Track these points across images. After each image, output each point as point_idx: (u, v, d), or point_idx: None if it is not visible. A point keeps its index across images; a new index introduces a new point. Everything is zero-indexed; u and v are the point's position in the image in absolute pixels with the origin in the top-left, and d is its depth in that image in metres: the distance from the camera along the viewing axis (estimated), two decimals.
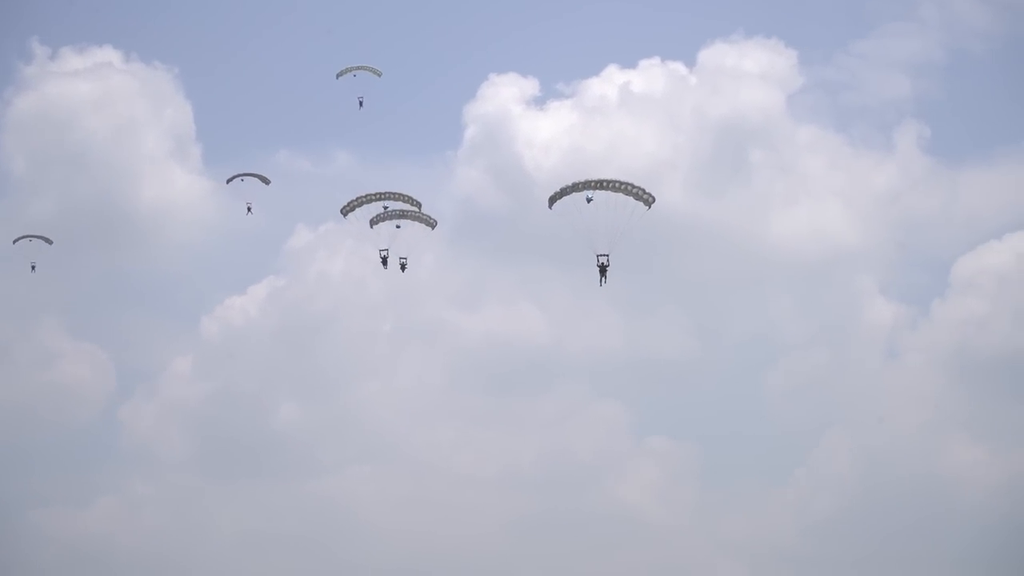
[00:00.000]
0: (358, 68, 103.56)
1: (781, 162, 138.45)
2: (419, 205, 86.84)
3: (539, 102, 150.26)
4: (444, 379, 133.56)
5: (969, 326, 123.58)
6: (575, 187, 75.50)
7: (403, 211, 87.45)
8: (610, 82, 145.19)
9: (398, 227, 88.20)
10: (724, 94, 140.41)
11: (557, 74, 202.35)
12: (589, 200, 74.05)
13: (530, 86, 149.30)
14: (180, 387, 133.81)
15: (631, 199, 74.74)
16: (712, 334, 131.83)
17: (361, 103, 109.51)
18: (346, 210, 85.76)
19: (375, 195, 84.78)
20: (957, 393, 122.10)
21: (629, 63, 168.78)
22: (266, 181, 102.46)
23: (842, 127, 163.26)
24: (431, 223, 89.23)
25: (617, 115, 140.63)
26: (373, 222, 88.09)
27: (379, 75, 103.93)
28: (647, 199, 74.98)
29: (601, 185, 75.19)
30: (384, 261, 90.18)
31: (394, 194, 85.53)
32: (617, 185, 74.64)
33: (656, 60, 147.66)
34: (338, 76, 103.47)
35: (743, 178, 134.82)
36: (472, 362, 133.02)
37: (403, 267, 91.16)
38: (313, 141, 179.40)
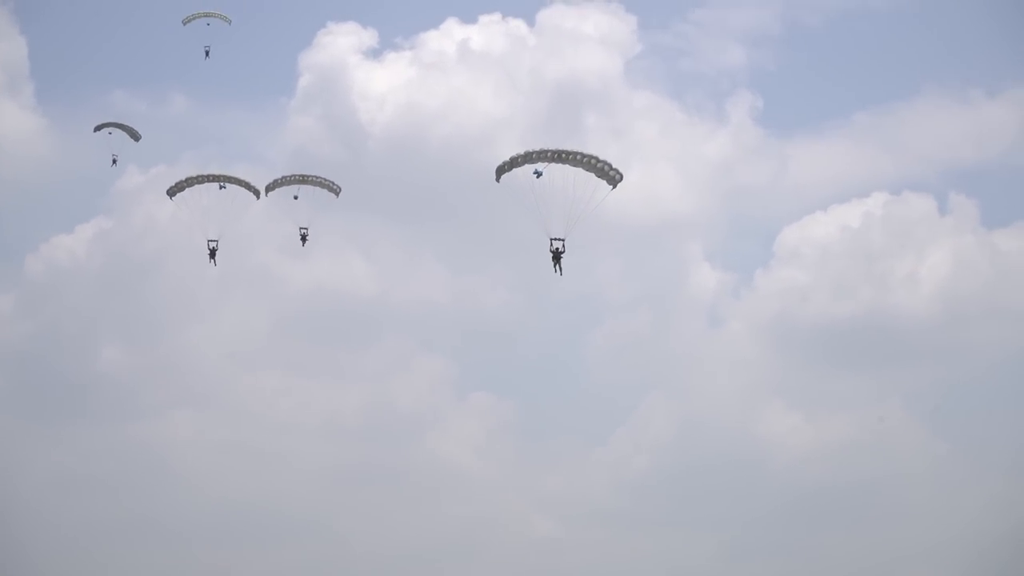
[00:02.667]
0: (207, 15, 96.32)
1: (615, 126, 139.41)
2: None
3: (376, 54, 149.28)
4: (269, 327, 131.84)
5: (790, 295, 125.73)
6: (528, 157, 64.39)
7: (303, 176, 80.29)
8: (449, 37, 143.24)
9: (296, 198, 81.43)
10: (562, 56, 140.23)
11: (396, 26, 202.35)
12: (538, 174, 64.30)
13: (368, 37, 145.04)
14: (1, 326, 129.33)
15: (593, 176, 64.69)
16: (539, 293, 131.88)
17: (207, 53, 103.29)
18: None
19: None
20: (775, 361, 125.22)
21: (469, 18, 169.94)
22: (136, 137, 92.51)
23: (677, 94, 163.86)
24: (335, 189, 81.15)
25: (455, 71, 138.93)
26: (269, 188, 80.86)
27: (229, 22, 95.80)
28: (613, 176, 64.45)
29: (559, 157, 64.41)
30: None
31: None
32: (578, 158, 64.11)
33: (497, 16, 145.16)
34: (185, 22, 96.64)
35: (577, 141, 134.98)
36: (298, 311, 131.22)
37: (304, 239, 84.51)
38: (150, 83, 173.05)
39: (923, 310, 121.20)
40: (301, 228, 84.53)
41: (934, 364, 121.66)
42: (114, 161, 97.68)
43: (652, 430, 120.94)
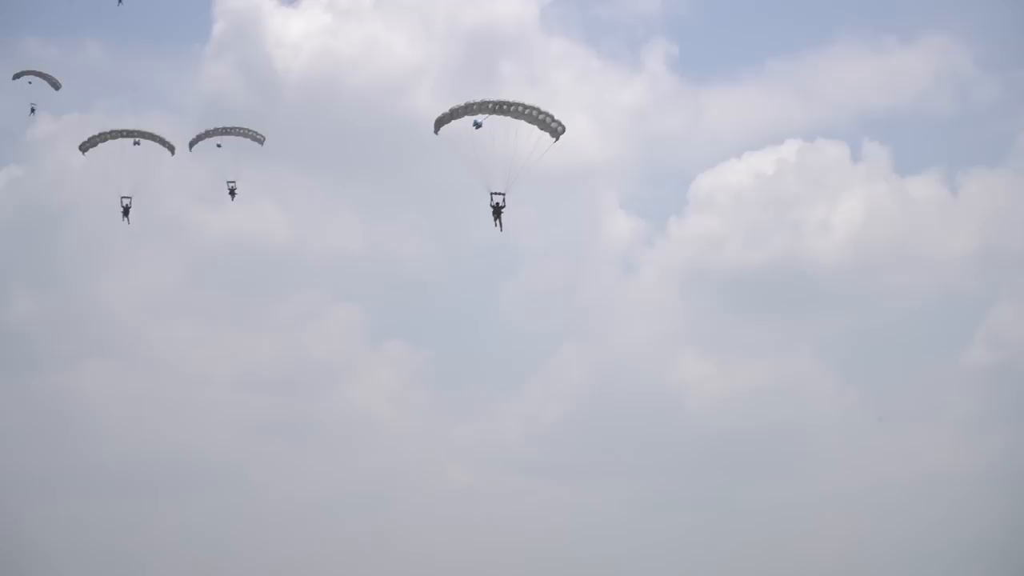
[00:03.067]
0: None
1: (531, 74, 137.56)
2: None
3: (291, 0, 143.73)
4: (183, 276, 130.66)
5: (704, 243, 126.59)
6: (467, 108, 62.76)
7: (225, 128, 79.22)
8: None
9: (219, 146, 79.95)
10: (478, 3, 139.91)
11: None
12: (477, 126, 62.54)
13: None
14: None
15: (535, 128, 63.37)
16: (452, 242, 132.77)
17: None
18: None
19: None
20: (688, 308, 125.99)
21: None
22: (56, 86, 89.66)
23: (593, 41, 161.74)
24: (259, 138, 79.47)
25: (371, 18, 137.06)
26: (192, 143, 79.68)
27: None
28: (555, 128, 63.31)
29: (500, 108, 62.86)
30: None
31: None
32: (519, 110, 62.65)
33: None
34: None
35: (493, 88, 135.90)
36: (212, 260, 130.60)
37: (232, 193, 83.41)
38: (63, 30, 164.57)
39: (835, 257, 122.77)
40: (229, 182, 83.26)
41: (846, 311, 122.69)
42: (32, 110, 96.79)
43: (566, 378, 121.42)
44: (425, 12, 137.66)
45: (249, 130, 79.52)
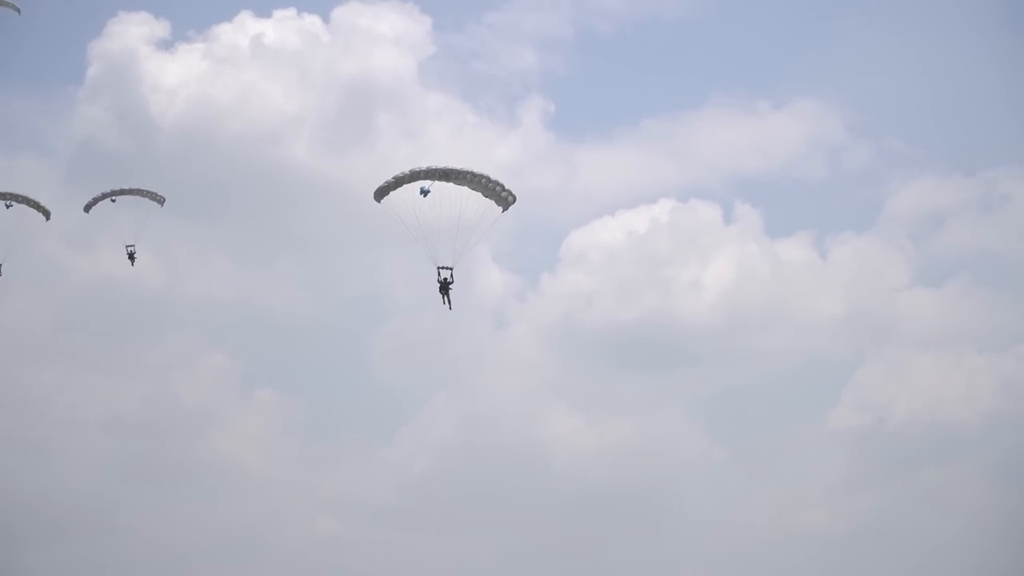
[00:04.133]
0: None
1: (408, 127, 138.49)
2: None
3: (168, 45, 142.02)
4: (52, 319, 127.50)
5: (575, 299, 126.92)
6: (412, 176, 59.29)
7: (123, 189, 76.35)
8: (243, 31, 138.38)
9: (113, 201, 76.47)
10: (356, 55, 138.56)
11: (189, 17, 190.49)
12: (425, 193, 59.28)
13: (160, 28, 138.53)
14: None
15: (483, 196, 60.65)
16: (326, 291, 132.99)
17: None
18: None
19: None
20: (559, 364, 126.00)
21: (264, 12, 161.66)
22: None
23: (470, 97, 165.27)
24: (158, 199, 76.40)
25: (248, 67, 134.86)
26: (88, 207, 76.92)
27: (18, 11, 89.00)
28: (505, 197, 60.56)
29: (446, 175, 59.73)
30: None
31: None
32: (468, 177, 59.83)
33: (291, 12, 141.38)
34: None
35: (369, 140, 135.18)
36: (82, 304, 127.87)
37: (131, 257, 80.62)
38: None
39: (706, 317, 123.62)
40: (128, 246, 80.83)
41: (716, 370, 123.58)
42: None
43: (436, 430, 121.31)
44: (303, 62, 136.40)
45: (148, 191, 76.87)
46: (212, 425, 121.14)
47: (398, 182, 60.10)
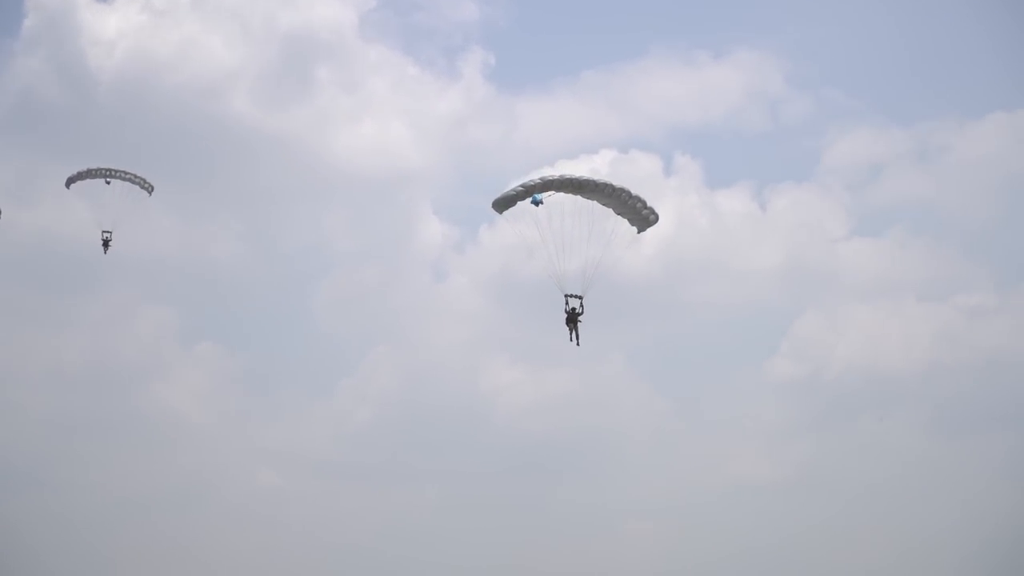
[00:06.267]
0: None
1: (349, 80, 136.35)
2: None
3: None
4: None
5: (515, 251, 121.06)
6: (544, 185, 52.02)
7: (113, 171, 72.62)
8: None
9: (108, 183, 73.00)
10: (297, 7, 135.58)
11: None
12: (537, 203, 52.75)
13: None
14: None
15: (612, 212, 54.04)
16: (267, 244, 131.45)
17: None
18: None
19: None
20: (499, 316, 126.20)
21: None
22: None
23: (410, 49, 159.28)
24: (147, 187, 73.00)
25: (187, 20, 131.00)
26: (71, 181, 73.41)
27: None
28: (645, 217, 53.27)
29: (580, 187, 52.53)
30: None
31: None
32: (605, 191, 52.57)
33: None
34: None
35: (309, 93, 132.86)
36: (20, 259, 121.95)
37: (106, 244, 76.41)
38: None
39: (646, 267, 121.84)
40: (104, 232, 77.11)
41: (656, 321, 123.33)
42: None
43: (377, 382, 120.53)
44: (243, 15, 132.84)
45: (138, 177, 73.43)
46: (153, 378, 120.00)
47: (528, 191, 52.40)
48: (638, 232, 55.16)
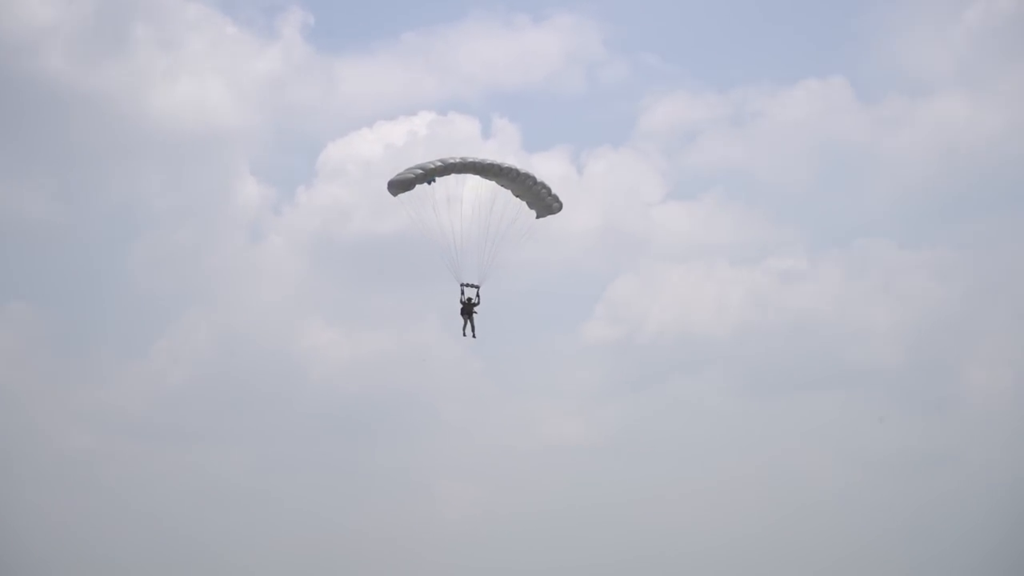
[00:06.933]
0: None
1: (165, 38, 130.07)
2: None
3: None
4: None
5: (332, 212, 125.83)
6: (445, 168, 49.12)
7: None
8: None
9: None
10: None
11: None
12: (430, 182, 50.07)
13: None
14: None
15: (518, 197, 50.84)
16: (80, 203, 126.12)
17: None
18: None
19: None
20: (316, 277, 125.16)
21: None
22: None
23: (228, 8, 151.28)
24: None
25: None
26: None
27: None
28: (548, 204, 50.46)
29: (482, 170, 49.90)
30: None
31: None
32: (509, 174, 49.94)
33: None
34: None
35: (125, 51, 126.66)
36: None
37: None
38: None
39: (463, 229, 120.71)
40: None
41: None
42: None
43: (192, 343, 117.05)
44: None
45: None
46: None
47: (427, 174, 48.99)
48: (537, 217, 52.47)
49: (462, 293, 51.87)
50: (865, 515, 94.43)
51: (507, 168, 50.61)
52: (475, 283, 51.99)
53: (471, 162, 50.23)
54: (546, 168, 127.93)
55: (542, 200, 51.67)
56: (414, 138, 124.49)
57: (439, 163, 49.91)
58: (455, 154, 50.63)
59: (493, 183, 52.04)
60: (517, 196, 52.09)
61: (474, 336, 52.49)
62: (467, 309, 52.09)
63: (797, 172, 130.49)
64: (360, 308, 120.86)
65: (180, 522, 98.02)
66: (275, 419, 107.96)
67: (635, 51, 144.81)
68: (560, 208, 52.27)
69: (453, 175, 51.43)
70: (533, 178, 51.22)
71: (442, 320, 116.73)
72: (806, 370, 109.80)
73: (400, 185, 50.11)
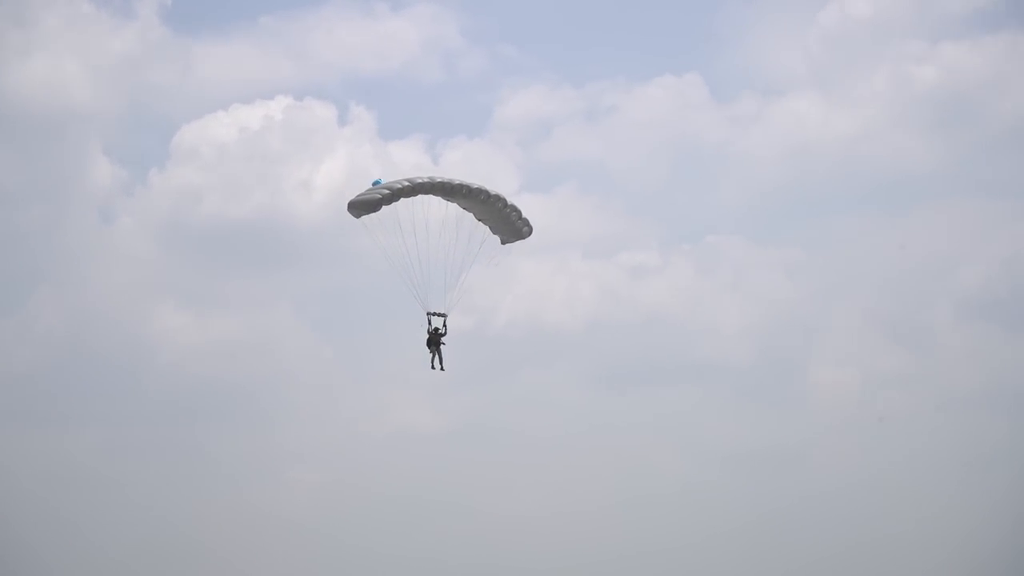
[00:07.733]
0: None
1: (19, 15, 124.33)
2: None
3: None
4: None
5: (184, 195, 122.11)
6: (413, 189, 43.09)
7: None
8: None
9: None
10: None
11: None
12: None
13: None
14: None
15: (474, 218, 47.56)
16: None
17: None
18: None
19: None
20: (167, 260, 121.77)
21: None
22: None
23: None
24: None
25: None
26: None
27: None
28: (518, 229, 46.67)
29: (450, 192, 45.43)
30: None
31: None
32: (477, 196, 45.75)
33: None
34: None
35: None
36: None
37: None
38: None
39: (316, 216, 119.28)
40: None
41: (324, 270, 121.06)
42: None
43: (40, 325, 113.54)
44: None
45: None
46: None
47: (394, 194, 45.48)
48: (502, 243, 49.88)
49: (428, 323, 48.14)
50: (711, 509, 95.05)
51: (476, 189, 47.14)
52: (442, 312, 48.30)
53: (440, 182, 46.60)
54: (401, 156, 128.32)
55: (511, 224, 48.36)
56: (270, 122, 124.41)
57: (406, 183, 46.17)
58: (423, 175, 47.09)
59: (456, 205, 49.10)
60: (480, 219, 49.17)
61: (442, 369, 49.01)
62: (434, 339, 48.54)
63: (651, 168, 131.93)
64: (212, 292, 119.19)
65: (25, 507, 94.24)
66: (123, 402, 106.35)
67: (493, 42, 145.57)
68: (530, 233, 49.03)
69: (420, 195, 48.14)
70: (504, 200, 47.85)
71: (294, 306, 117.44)
72: (656, 364, 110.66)
73: (363, 206, 45.96)
